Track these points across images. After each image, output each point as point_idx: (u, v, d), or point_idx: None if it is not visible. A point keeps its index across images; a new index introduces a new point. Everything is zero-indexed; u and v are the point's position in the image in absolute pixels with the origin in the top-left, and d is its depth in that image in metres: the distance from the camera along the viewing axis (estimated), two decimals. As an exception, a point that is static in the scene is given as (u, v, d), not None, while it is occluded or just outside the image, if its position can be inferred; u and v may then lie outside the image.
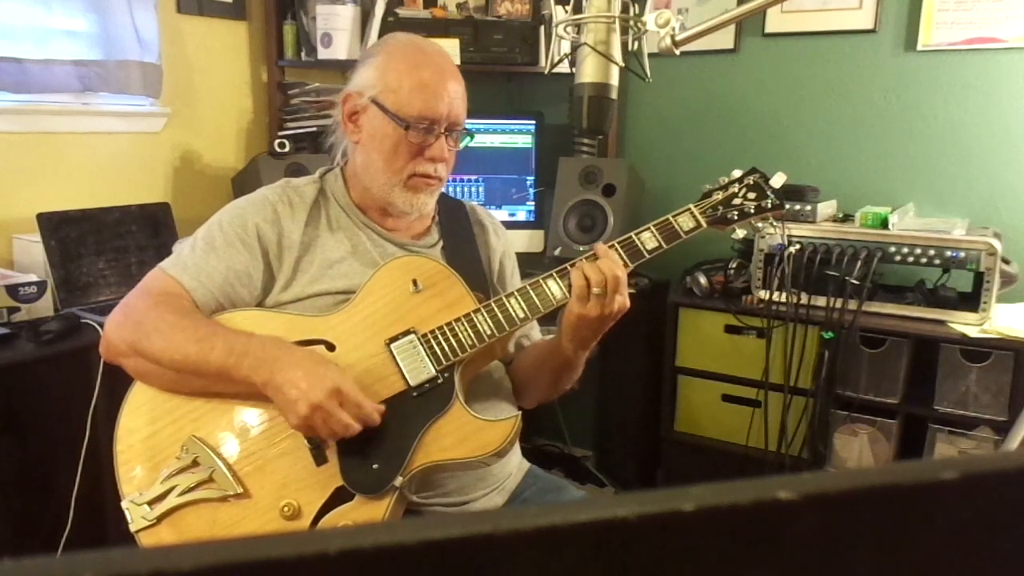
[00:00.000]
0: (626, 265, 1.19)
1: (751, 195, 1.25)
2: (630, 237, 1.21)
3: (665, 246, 1.21)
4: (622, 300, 1.16)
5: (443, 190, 1.42)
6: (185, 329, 1.10)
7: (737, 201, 1.25)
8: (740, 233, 1.26)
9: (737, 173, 1.27)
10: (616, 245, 1.20)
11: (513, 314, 1.17)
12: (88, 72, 2.13)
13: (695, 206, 1.24)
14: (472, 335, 1.16)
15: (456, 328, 1.16)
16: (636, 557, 0.28)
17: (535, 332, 1.43)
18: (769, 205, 1.25)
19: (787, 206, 2.07)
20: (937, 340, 1.99)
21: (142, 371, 1.14)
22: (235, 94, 2.58)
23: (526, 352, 1.36)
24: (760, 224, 1.27)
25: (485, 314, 1.17)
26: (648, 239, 1.21)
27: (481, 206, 1.46)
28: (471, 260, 1.34)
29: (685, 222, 1.22)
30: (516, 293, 1.18)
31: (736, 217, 1.24)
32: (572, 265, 1.18)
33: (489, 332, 1.16)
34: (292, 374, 1.05)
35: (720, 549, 0.29)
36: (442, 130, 1.23)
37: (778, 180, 1.26)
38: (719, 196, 1.25)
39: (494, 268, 1.39)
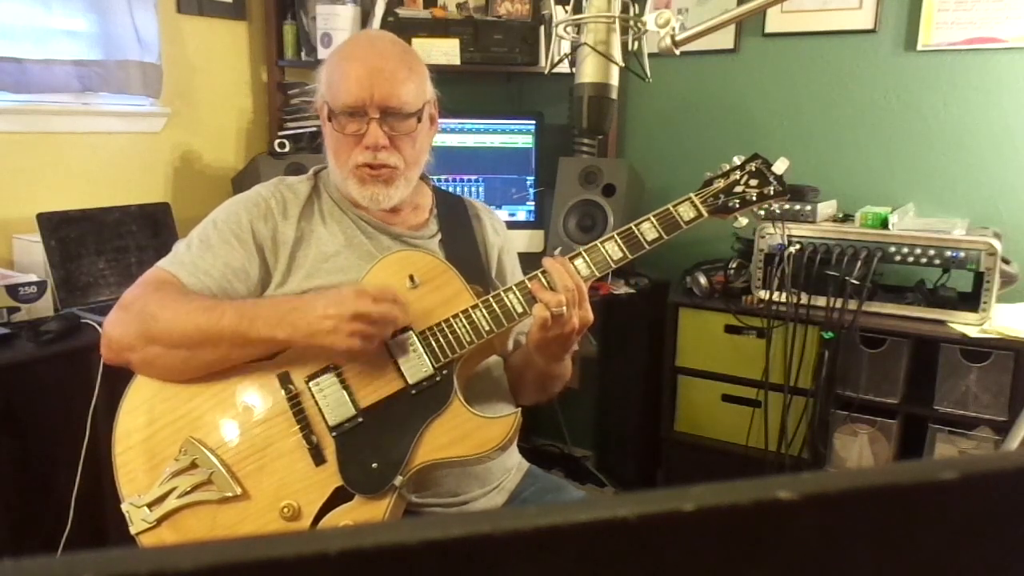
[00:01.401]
0: (592, 274, 1.18)
1: (753, 182, 1.23)
2: (630, 228, 1.20)
3: (666, 237, 1.19)
4: (583, 315, 1.14)
5: (444, 189, 1.42)
6: (191, 303, 1.11)
7: (739, 189, 1.22)
8: (743, 221, 1.24)
9: (738, 160, 1.25)
10: (583, 252, 1.19)
11: (511, 309, 1.16)
12: (88, 72, 2.13)
13: (696, 195, 1.22)
14: (470, 331, 1.15)
15: (454, 324, 1.15)
16: (636, 557, 0.28)
17: None
18: (772, 192, 1.23)
19: (787, 205, 2.10)
20: (937, 340, 1.99)
21: (149, 360, 1.12)
22: (235, 94, 2.58)
23: (511, 360, 1.35)
24: (762, 212, 1.26)
25: (483, 310, 1.16)
26: (648, 230, 1.19)
27: (480, 202, 1.46)
28: (469, 253, 1.33)
29: (686, 212, 1.21)
30: (514, 287, 1.17)
31: (738, 205, 1.22)
32: (531, 279, 1.17)
33: (487, 328, 1.16)
34: (315, 311, 1.06)
35: (720, 549, 0.29)
36: (374, 115, 1.20)
37: (780, 166, 1.23)
38: (720, 184, 1.23)
39: (492, 263, 1.38)
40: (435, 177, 1.43)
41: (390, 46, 1.25)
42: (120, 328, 1.13)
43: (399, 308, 1.10)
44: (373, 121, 1.20)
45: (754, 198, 1.23)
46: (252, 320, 1.08)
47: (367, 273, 1.19)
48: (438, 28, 2.44)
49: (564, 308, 1.11)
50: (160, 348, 1.11)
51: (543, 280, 1.16)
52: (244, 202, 1.25)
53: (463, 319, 1.16)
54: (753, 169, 1.24)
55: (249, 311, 1.09)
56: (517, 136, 2.57)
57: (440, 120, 1.33)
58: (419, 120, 1.24)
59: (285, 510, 1.09)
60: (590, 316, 1.16)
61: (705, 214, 1.21)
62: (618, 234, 1.19)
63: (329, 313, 1.05)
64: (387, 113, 1.21)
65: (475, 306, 1.16)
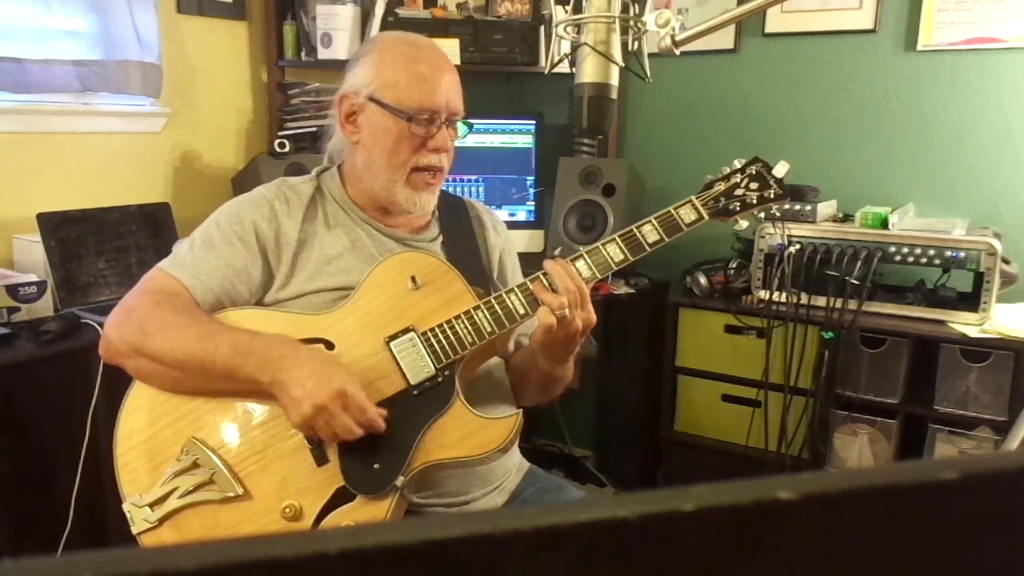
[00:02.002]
0: (594, 276, 1.18)
1: (753, 185, 1.23)
2: (631, 230, 1.20)
3: (666, 239, 1.20)
4: (586, 316, 1.15)
5: (445, 190, 1.42)
6: (188, 327, 1.10)
7: (739, 192, 1.23)
8: (743, 224, 1.24)
9: (739, 163, 1.25)
10: (584, 254, 1.19)
11: (513, 310, 1.16)
12: (88, 72, 2.13)
13: (696, 198, 1.22)
14: (472, 332, 1.15)
15: (456, 325, 1.15)
16: (636, 557, 0.28)
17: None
18: (772, 195, 1.23)
19: (787, 205, 2.10)
20: (937, 340, 1.99)
21: (144, 371, 1.13)
22: (235, 94, 2.58)
23: (513, 361, 1.35)
24: (762, 214, 1.26)
25: (485, 311, 1.16)
26: (649, 232, 1.20)
27: (481, 203, 1.46)
28: (471, 255, 1.33)
29: (687, 214, 1.21)
30: (516, 289, 1.17)
31: (738, 208, 1.22)
32: (532, 281, 1.17)
33: (489, 329, 1.16)
34: (298, 373, 1.05)
35: (720, 549, 0.29)
36: (443, 120, 1.23)
37: (781, 169, 1.24)
38: (721, 187, 1.23)
39: (494, 264, 1.39)
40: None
41: (445, 55, 1.28)
42: (118, 332, 1.13)
43: (362, 428, 1.07)
44: (445, 125, 1.23)
45: (754, 201, 1.23)
46: (245, 357, 1.07)
47: (369, 274, 1.19)
48: (438, 28, 2.44)
49: (566, 309, 1.11)
50: (152, 364, 1.11)
51: (544, 282, 1.16)
52: (247, 203, 1.25)
53: (465, 320, 1.16)
54: (753, 172, 1.24)
55: (244, 347, 1.08)
56: (517, 136, 2.57)
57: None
58: (469, 127, 1.29)
59: (287, 510, 1.09)
60: (593, 317, 1.16)
61: (706, 217, 1.22)
62: (619, 236, 1.19)
63: (305, 386, 1.04)
64: (450, 119, 1.24)
65: (477, 307, 1.16)
